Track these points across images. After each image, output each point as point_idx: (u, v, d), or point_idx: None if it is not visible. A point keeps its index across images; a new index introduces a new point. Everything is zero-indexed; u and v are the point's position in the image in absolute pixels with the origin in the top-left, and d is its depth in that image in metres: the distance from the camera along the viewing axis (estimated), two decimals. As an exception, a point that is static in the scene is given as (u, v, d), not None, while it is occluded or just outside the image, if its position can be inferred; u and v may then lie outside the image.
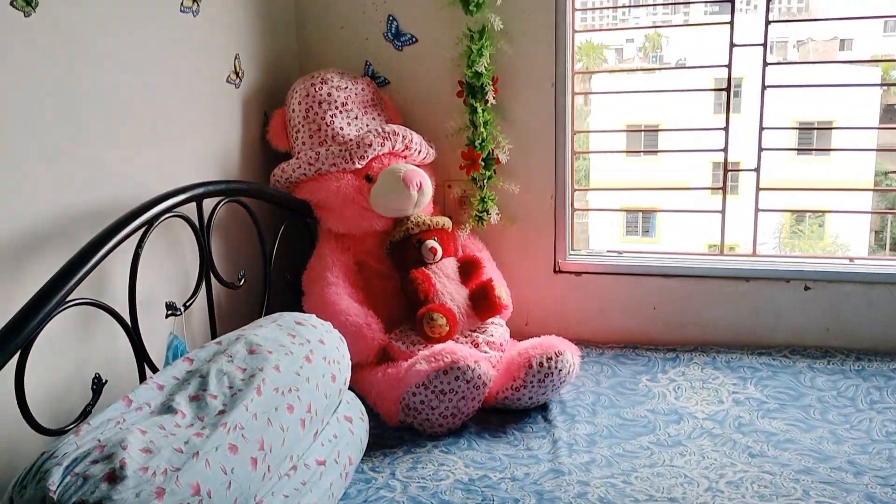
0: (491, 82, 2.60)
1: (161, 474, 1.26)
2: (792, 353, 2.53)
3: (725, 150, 2.69)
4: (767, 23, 2.59)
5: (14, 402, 1.44)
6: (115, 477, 1.21)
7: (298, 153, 2.49)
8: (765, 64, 2.62)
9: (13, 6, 1.57)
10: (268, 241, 2.32)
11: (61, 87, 1.70)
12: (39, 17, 1.63)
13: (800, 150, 11.16)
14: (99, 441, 1.29)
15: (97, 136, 1.81)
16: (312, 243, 2.51)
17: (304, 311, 2.08)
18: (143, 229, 1.74)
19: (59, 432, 1.52)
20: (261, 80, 2.59)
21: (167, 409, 1.45)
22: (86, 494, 1.18)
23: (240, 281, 2.17)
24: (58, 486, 1.19)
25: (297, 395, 1.63)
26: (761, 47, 2.61)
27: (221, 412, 1.47)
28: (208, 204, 2.04)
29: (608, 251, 2.89)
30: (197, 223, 1.98)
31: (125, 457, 1.25)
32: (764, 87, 2.62)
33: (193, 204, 1.97)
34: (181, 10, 2.15)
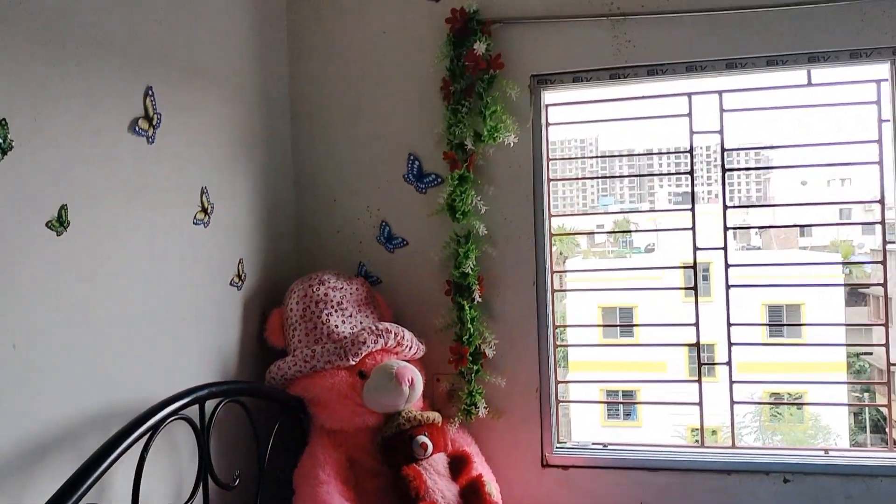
0: (477, 282, 2.80)
1: None
2: (778, 547, 2.55)
3: (697, 345, 2.86)
4: (725, 229, 2.85)
5: None
6: None
7: (294, 351, 2.62)
8: (727, 266, 2.85)
9: (48, 226, 1.75)
10: (262, 439, 2.38)
11: (80, 297, 1.84)
12: (69, 236, 1.80)
13: (772, 332, 11.46)
14: None
15: (108, 342, 1.93)
16: (304, 440, 2.57)
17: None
18: (147, 434, 1.82)
19: None
20: (261, 282, 2.77)
21: None
22: None
23: (235, 481, 2.21)
24: None
25: None
26: (721, 251, 2.86)
27: None
28: (209, 404, 2.13)
29: (593, 443, 2.96)
30: (198, 424, 2.06)
31: None
32: (728, 287, 2.84)
33: (195, 405, 2.05)
34: (194, 223, 2.36)
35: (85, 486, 1.57)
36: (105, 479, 1.81)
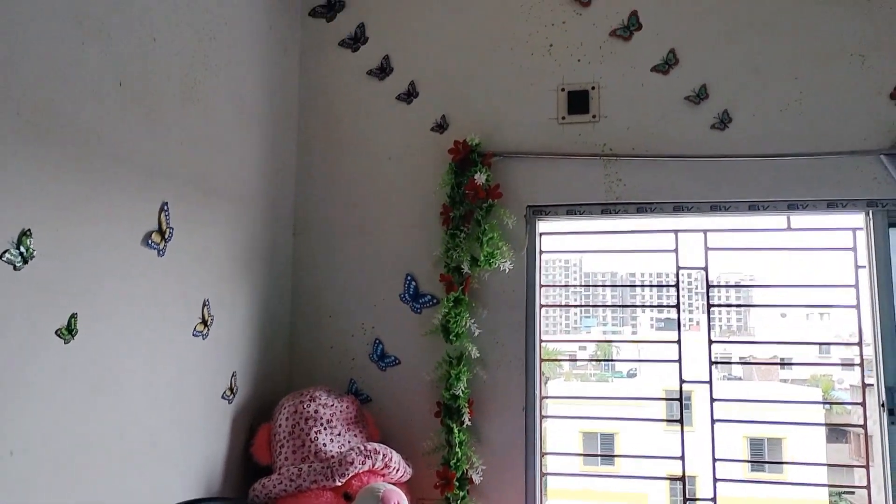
0: (467, 404, 2.83)
1: None
2: None
3: (683, 479, 2.87)
4: (712, 363, 2.92)
5: None
6: None
7: (280, 468, 2.60)
8: (712, 400, 2.91)
9: (57, 335, 1.79)
10: (244, 558, 2.34)
11: (81, 405, 1.86)
12: (76, 344, 1.84)
13: (753, 467, 11.32)
14: None
15: (100, 452, 1.93)
16: (285, 561, 2.52)
17: None
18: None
19: None
20: (252, 396, 2.78)
21: None
22: None
23: None
24: None
25: None
26: (707, 384, 2.92)
27: None
28: (195, 520, 2.11)
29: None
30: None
31: None
32: (714, 421, 2.88)
33: (182, 521, 2.04)
34: (193, 335, 2.40)
35: None
36: None
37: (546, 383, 3.00)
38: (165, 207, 2.21)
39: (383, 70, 3.16)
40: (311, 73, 3.23)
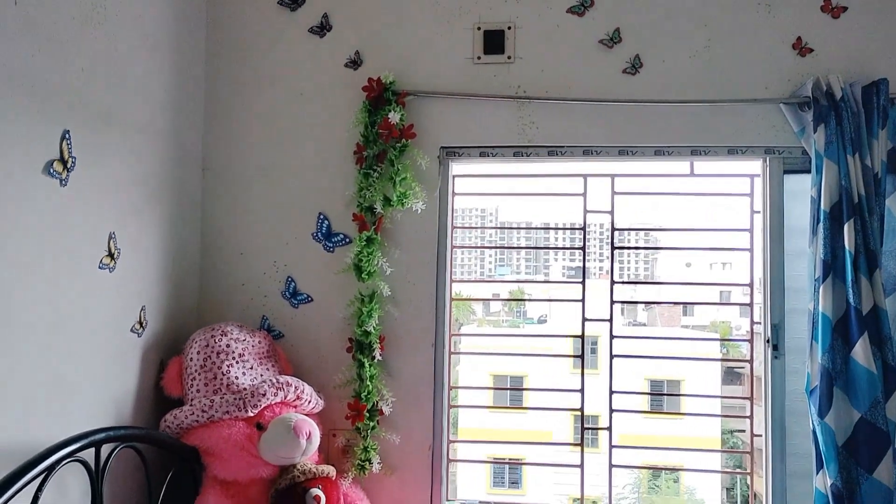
0: (378, 341, 2.89)
1: None
2: None
3: (581, 410, 3.03)
4: (612, 302, 3.07)
5: None
6: None
7: (192, 400, 2.61)
8: (611, 336, 3.06)
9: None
10: (154, 487, 2.35)
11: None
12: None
13: (653, 409, 11.95)
14: None
15: (4, 381, 1.90)
16: (196, 490, 2.55)
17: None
18: (42, 476, 1.79)
19: None
20: (162, 330, 2.76)
21: None
22: None
23: (125, 531, 2.18)
24: None
25: None
26: (608, 322, 3.06)
27: None
28: (104, 449, 2.10)
29: (481, 502, 3.05)
30: (93, 468, 2.03)
31: None
32: (612, 356, 3.04)
33: (91, 449, 2.03)
34: (99, 267, 2.35)
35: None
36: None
37: (459, 329, 3.09)
38: (67, 136, 2.14)
39: (295, 0, 3.09)
40: (219, 1, 3.13)
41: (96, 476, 2.05)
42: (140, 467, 2.31)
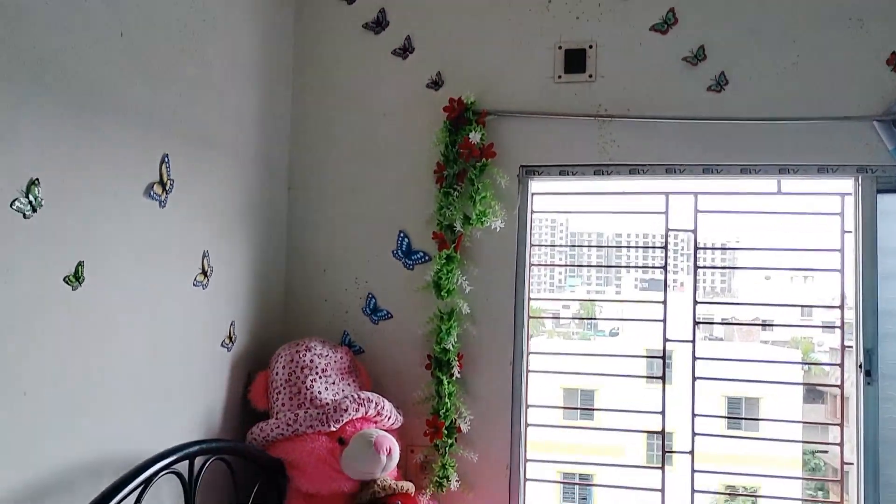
0: (457, 358, 2.91)
1: None
2: None
3: (662, 432, 2.98)
4: (695, 324, 3.01)
5: None
6: None
7: (277, 413, 2.68)
8: (694, 358, 3.00)
9: (65, 281, 1.84)
10: (242, 499, 2.43)
11: (87, 350, 1.92)
12: (83, 291, 1.89)
13: (730, 424, 11.61)
14: None
15: (107, 395, 2.00)
16: (281, 502, 2.61)
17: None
18: (141, 487, 1.88)
19: None
20: (249, 345, 2.85)
21: None
22: None
23: (215, 541, 2.26)
24: None
25: None
26: (690, 343, 3.01)
27: None
28: (197, 461, 2.19)
29: (558, 523, 3.03)
30: (187, 479, 2.11)
31: None
32: (694, 378, 2.98)
33: (185, 461, 2.11)
34: (194, 284, 2.45)
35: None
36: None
37: (529, 340, 3.08)
38: (166, 159, 2.24)
39: (379, 24, 3.16)
40: (306, 26, 3.23)
41: (190, 487, 2.14)
42: (229, 479, 2.40)
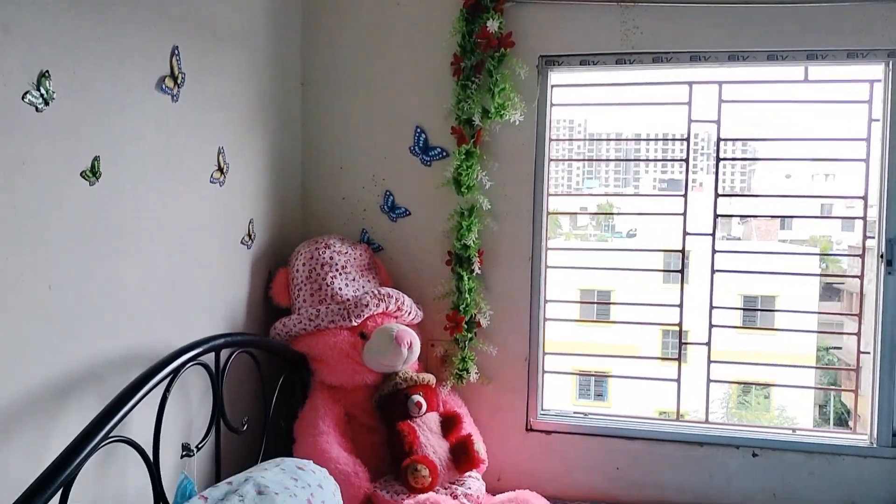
0: (477, 254, 2.91)
1: None
2: (745, 517, 2.73)
3: (680, 326, 3.00)
4: (716, 216, 2.98)
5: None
6: None
7: (299, 309, 2.72)
8: (713, 251, 2.99)
9: (82, 176, 1.83)
10: (268, 390, 2.50)
11: (108, 244, 1.93)
12: (101, 185, 1.88)
13: (745, 321, 11.70)
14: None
15: (130, 289, 2.02)
16: (305, 394, 2.69)
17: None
18: (169, 378, 1.93)
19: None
20: (269, 242, 2.86)
21: (191, 541, 1.59)
22: None
23: (243, 426, 2.33)
24: None
25: (302, 534, 1.77)
26: (710, 237, 2.99)
27: (239, 548, 1.61)
28: (223, 354, 2.24)
29: (575, 412, 3.11)
30: (213, 371, 2.17)
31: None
32: (713, 272, 2.98)
33: (211, 353, 2.16)
34: (210, 181, 2.44)
35: (112, 423, 1.66)
36: (126, 419, 1.92)
37: (548, 252, 3.07)
38: (177, 52, 2.19)
39: None
40: (316, -88, 3.08)
41: (217, 378, 2.19)
42: (255, 371, 2.46)
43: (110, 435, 1.65)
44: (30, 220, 1.66)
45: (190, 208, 2.31)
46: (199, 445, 2.12)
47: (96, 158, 1.86)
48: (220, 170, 2.49)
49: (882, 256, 2.76)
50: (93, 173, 1.86)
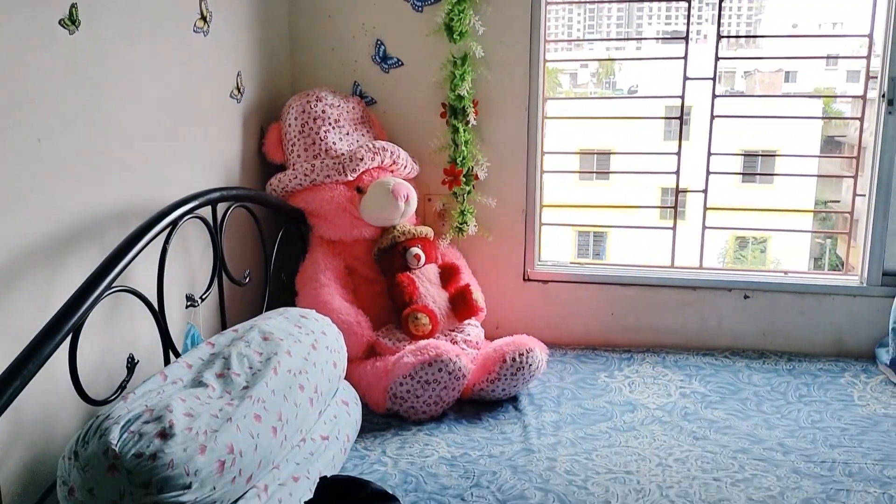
0: (472, 105, 2.86)
1: (203, 434, 1.47)
2: (732, 355, 2.85)
3: (678, 173, 3.00)
4: (717, 59, 2.90)
5: (66, 377, 1.62)
6: (165, 434, 1.41)
7: (293, 165, 2.71)
8: (713, 96, 2.93)
9: (61, 24, 1.77)
10: (268, 244, 2.53)
11: (93, 96, 1.88)
12: (81, 34, 1.82)
13: (745, 177, 11.71)
14: (147, 406, 1.49)
15: (122, 142, 2.00)
16: (305, 248, 2.73)
17: (299, 309, 2.29)
18: (168, 229, 1.94)
19: (104, 402, 1.71)
20: (258, 96, 2.81)
21: (198, 383, 1.66)
22: (142, 447, 1.38)
23: (245, 279, 2.38)
24: (118, 441, 1.38)
25: (306, 376, 1.85)
26: (711, 81, 2.92)
27: (245, 387, 1.68)
28: (220, 208, 2.25)
29: (571, 262, 3.16)
30: (212, 224, 2.18)
31: (172, 418, 1.45)
32: (713, 117, 2.94)
33: (208, 207, 2.17)
34: (194, 31, 2.36)
35: (115, 273, 1.69)
36: (127, 270, 1.95)
37: (545, 103, 3.00)
38: None
39: None
40: None
41: (216, 231, 2.21)
42: (253, 226, 2.48)
43: (113, 285, 1.69)
44: (9, 73, 1.62)
45: (173, 58, 2.25)
46: (203, 296, 2.17)
47: (73, 6, 1.78)
48: (203, 18, 2.39)
49: (884, 96, 2.71)
50: (72, 21, 1.79)
